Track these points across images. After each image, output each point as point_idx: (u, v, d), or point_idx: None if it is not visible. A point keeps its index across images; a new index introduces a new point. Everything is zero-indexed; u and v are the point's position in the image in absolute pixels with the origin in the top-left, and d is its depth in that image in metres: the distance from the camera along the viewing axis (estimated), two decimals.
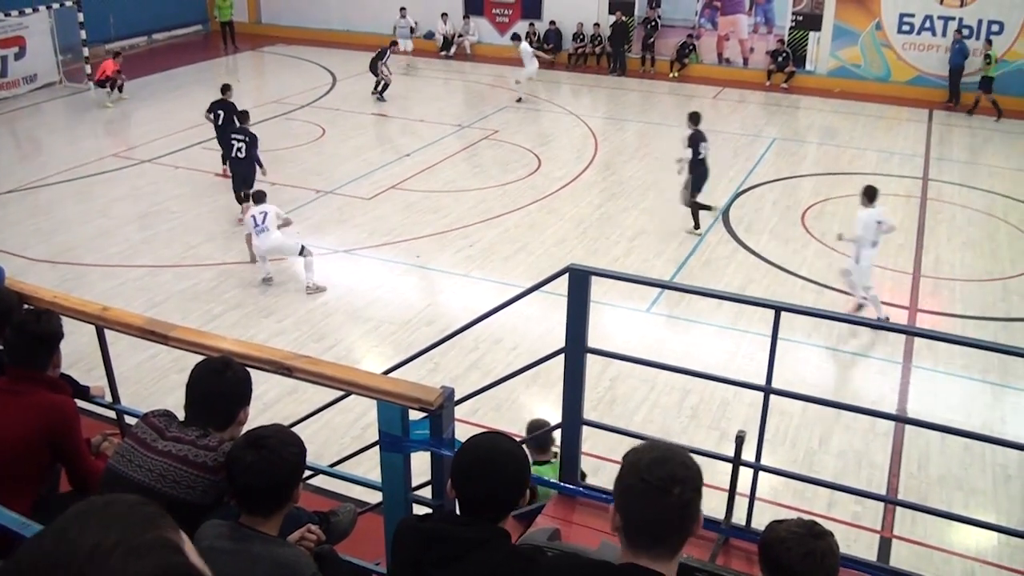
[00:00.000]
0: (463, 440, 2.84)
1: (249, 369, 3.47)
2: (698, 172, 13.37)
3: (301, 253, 11.51)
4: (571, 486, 4.79)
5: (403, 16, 25.31)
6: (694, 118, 13.49)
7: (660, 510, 2.18)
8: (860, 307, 10.65)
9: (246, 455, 2.85)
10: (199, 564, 1.15)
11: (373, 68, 20.96)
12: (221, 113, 14.72)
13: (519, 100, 21.00)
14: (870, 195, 10.61)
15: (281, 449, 2.88)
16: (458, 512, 2.72)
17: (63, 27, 21.92)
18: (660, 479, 2.17)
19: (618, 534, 2.27)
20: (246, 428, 3.28)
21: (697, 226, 13.37)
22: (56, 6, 21.54)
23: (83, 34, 21.82)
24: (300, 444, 2.97)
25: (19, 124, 19.73)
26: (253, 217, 11.38)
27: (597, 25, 24.53)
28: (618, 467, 2.30)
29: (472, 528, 2.64)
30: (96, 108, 20.26)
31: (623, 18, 23.97)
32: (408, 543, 2.75)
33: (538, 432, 5.77)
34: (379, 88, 21.01)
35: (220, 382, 3.29)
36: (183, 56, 25.41)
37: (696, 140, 13.24)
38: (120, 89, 20.54)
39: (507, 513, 2.73)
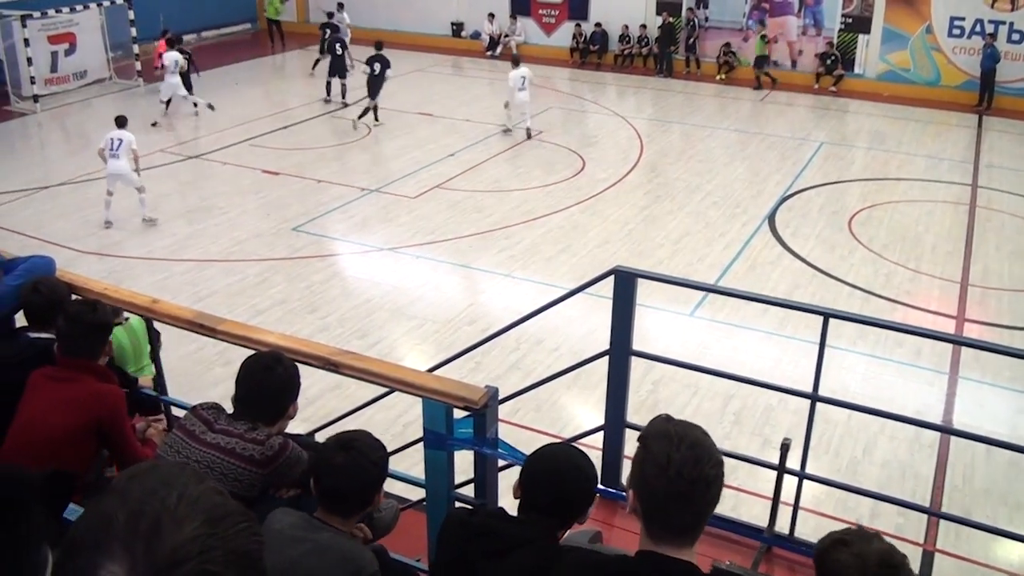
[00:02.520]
0: (506, 440, 2.85)
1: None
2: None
3: (141, 191, 13.23)
4: (613, 489, 4.77)
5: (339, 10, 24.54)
6: None
7: (689, 509, 2.11)
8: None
9: (336, 456, 2.88)
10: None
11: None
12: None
13: (506, 131, 18.62)
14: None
15: (370, 453, 2.93)
16: (517, 512, 2.76)
17: (114, 24, 22.26)
18: (691, 481, 2.07)
19: (635, 516, 2.18)
20: (292, 425, 3.31)
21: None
22: (107, 3, 21.88)
23: (133, 31, 22.15)
24: (384, 449, 3.02)
25: (69, 119, 20.08)
26: (111, 139, 13.01)
27: (644, 27, 24.42)
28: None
29: (521, 526, 2.65)
30: (146, 103, 20.54)
31: (670, 19, 23.87)
32: (456, 536, 2.77)
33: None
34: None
35: (270, 377, 3.32)
36: (232, 54, 25.70)
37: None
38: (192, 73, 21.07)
39: (564, 524, 2.76)
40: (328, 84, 20.98)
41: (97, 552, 1.10)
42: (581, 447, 5.82)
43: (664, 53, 23.97)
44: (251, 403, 3.31)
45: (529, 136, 18.01)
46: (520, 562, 2.59)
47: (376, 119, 18.61)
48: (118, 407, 3.80)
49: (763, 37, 22.83)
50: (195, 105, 19.10)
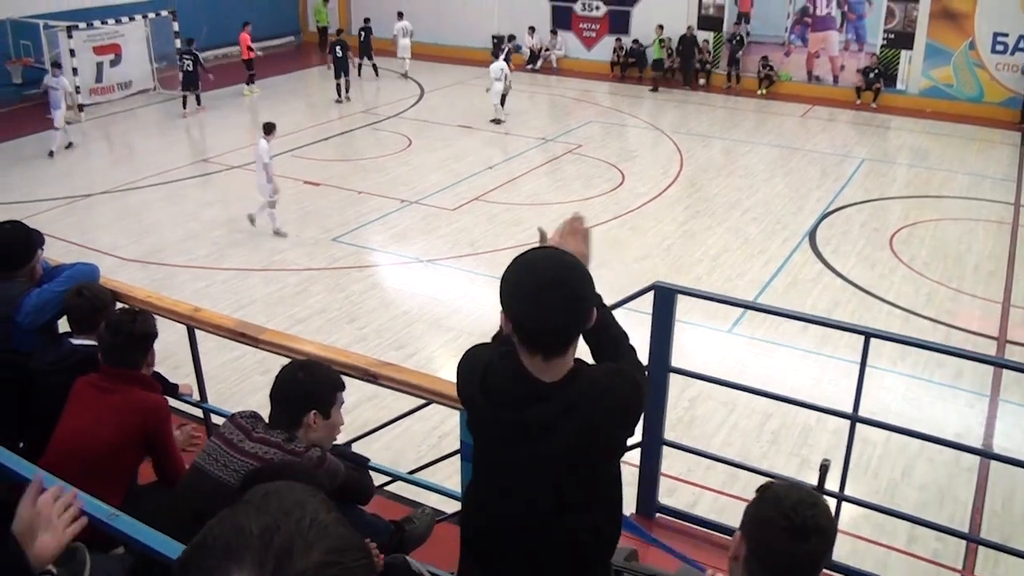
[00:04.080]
0: None
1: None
2: None
3: (270, 204, 13.45)
4: (648, 506, 4.76)
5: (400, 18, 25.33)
6: None
7: (795, 553, 2.12)
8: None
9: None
10: None
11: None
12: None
13: (496, 122, 20.08)
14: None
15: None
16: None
17: (158, 36, 22.66)
18: (804, 522, 2.11)
19: (735, 564, 2.21)
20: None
21: None
22: (152, 15, 22.26)
23: (178, 43, 22.47)
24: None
25: (113, 128, 20.42)
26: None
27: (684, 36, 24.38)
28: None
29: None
30: (190, 114, 20.84)
31: (693, 32, 23.76)
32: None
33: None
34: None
35: (290, 385, 3.36)
36: (276, 65, 26.00)
37: None
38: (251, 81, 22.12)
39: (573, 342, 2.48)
40: (337, 85, 22.06)
41: (228, 558, 1.14)
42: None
43: (689, 65, 23.87)
44: (275, 409, 3.37)
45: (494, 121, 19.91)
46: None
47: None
48: (164, 418, 3.85)
49: (660, 41, 23.86)
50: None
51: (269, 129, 13.43)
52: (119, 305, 4.36)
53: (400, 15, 25.27)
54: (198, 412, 5.15)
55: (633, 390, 2.50)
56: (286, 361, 3.59)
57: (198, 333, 4.67)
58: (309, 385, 3.37)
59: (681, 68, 24.16)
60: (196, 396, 4.84)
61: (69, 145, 18.04)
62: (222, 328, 4.34)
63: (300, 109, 22.19)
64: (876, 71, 22.25)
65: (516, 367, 2.43)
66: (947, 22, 21.60)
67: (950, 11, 21.51)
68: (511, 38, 23.38)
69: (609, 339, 2.73)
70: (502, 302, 2.39)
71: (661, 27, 23.81)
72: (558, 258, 2.46)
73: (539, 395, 2.39)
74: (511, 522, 2.55)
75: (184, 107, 21.08)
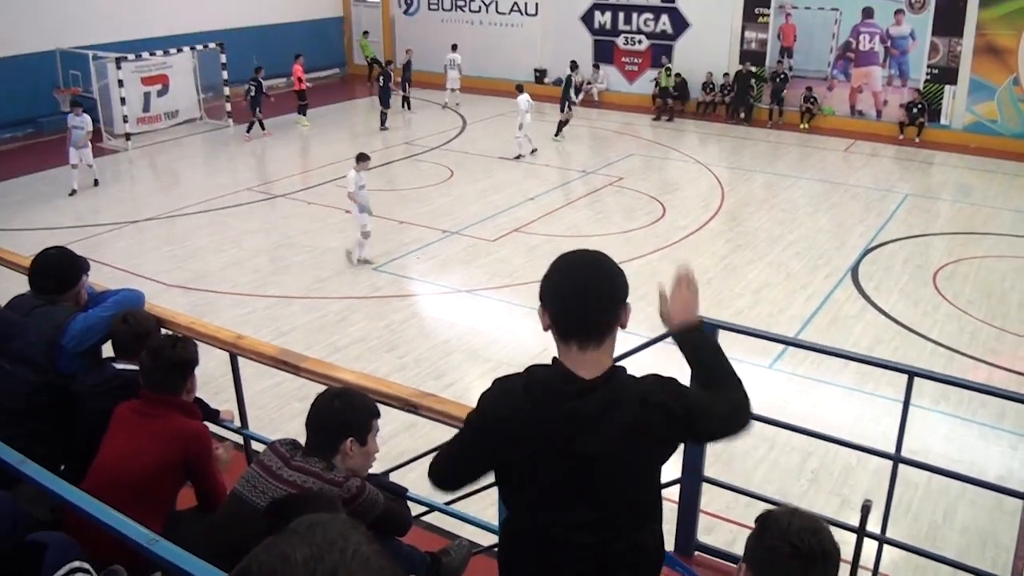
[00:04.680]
0: None
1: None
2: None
3: (364, 234, 13.63)
4: (687, 543, 4.71)
5: (453, 50, 25.91)
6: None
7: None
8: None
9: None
10: None
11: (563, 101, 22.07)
12: None
13: (520, 155, 20.13)
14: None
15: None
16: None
17: (206, 67, 23.12)
18: (811, 548, 2.13)
19: None
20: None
21: None
22: (200, 48, 22.70)
23: (225, 74, 22.93)
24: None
25: (159, 157, 20.79)
26: None
27: (727, 75, 24.40)
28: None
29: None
30: (234, 143, 21.17)
31: (748, 67, 23.80)
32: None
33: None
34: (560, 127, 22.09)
35: (327, 413, 3.37)
36: (321, 96, 26.36)
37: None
38: (303, 113, 22.59)
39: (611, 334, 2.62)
40: (381, 114, 22.67)
41: None
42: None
43: (742, 101, 23.89)
44: (311, 437, 3.38)
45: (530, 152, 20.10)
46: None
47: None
48: (204, 445, 3.88)
49: (667, 70, 24.46)
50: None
51: (361, 159, 13.63)
52: (163, 331, 4.42)
53: (454, 47, 25.65)
54: (239, 438, 5.19)
55: (680, 400, 2.56)
56: (324, 388, 3.61)
57: (240, 360, 4.71)
58: (346, 413, 3.38)
59: (735, 103, 24.14)
60: (237, 422, 4.88)
61: (96, 183, 17.84)
62: (264, 356, 4.38)
63: (344, 139, 22.47)
64: (919, 106, 22.10)
65: (556, 367, 2.54)
66: (991, 57, 21.42)
67: (994, 46, 21.33)
68: (574, 66, 23.74)
69: (700, 363, 2.90)
70: (541, 297, 2.59)
71: (665, 56, 24.82)
72: (594, 256, 2.67)
73: (580, 389, 2.46)
74: (552, 543, 2.54)
75: (248, 131, 21.78)
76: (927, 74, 22.31)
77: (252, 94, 21.54)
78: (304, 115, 22.86)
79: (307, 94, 22.84)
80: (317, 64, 28.76)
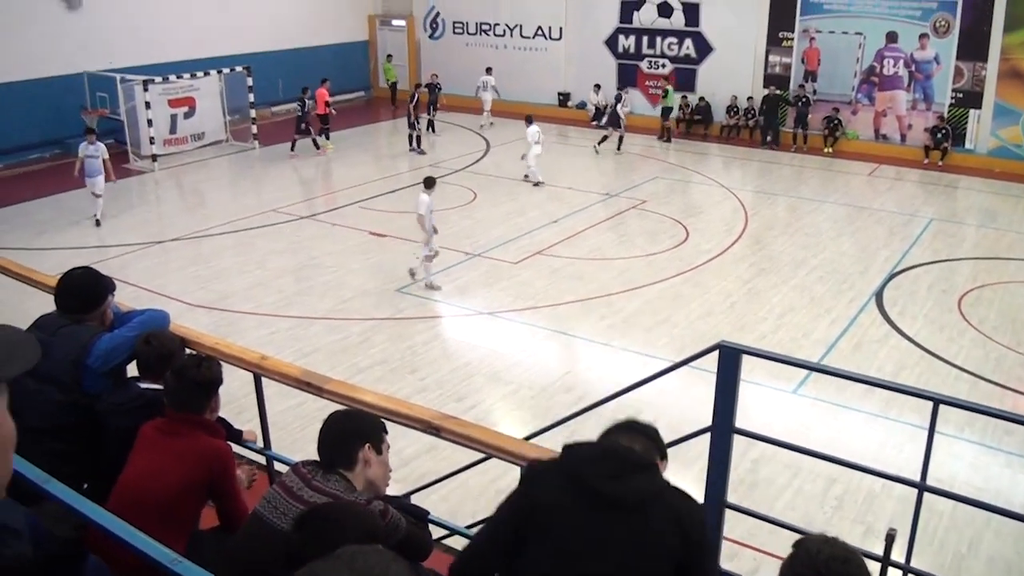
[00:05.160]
0: None
1: (391, 425, 3.54)
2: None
3: (426, 257, 13.55)
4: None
5: (488, 73, 26.26)
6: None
7: None
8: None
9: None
10: None
11: (613, 121, 23.02)
12: None
13: (536, 184, 19.90)
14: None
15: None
16: None
17: (233, 90, 23.37)
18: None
19: None
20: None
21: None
22: (227, 71, 22.96)
23: (251, 97, 23.17)
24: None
25: (185, 178, 21.00)
26: None
27: (751, 99, 24.40)
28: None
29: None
30: (260, 165, 21.37)
31: (776, 91, 23.81)
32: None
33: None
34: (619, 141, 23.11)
35: (339, 427, 3.43)
36: (347, 119, 26.57)
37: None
38: (327, 136, 22.68)
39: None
40: (413, 137, 22.94)
41: None
42: None
43: (770, 124, 23.86)
44: (325, 452, 3.40)
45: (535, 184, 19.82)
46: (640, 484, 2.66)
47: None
48: (228, 463, 3.91)
49: (666, 92, 24.49)
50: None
51: (430, 183, 13.85)
52: (187, 351, 4.45)
53: (488, 70, 26.07)
54: (261, 459, 5.21)
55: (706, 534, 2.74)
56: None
57: (263, 380, 4.73)
58: (357, 423, 3.46)
59: (765, 127, 24.08)
60: (260, 443, 4.90)
61: (97, 223, 16.76)
62: (288, 377, 4.40)
63: (368, 162, 22.64)
64: (944, 130, 22.01)
65: (609, 443, 2.78)
66: (1016, 82, 21.33)
67: (1018, 71, 21.24)
68: (625, 88, 24.32)
69: None
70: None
71: (666, 78, 25.01)
72: None
73: (636, 464, 2.67)
74: None
75: (316, 148, 22.60)
76: (951, 98, 22.23)
77: (299, 114, 22.12)
78: (328, 139, 23.01)
79: (330, 118, 22.96)
80: (342, 87, 29.04)
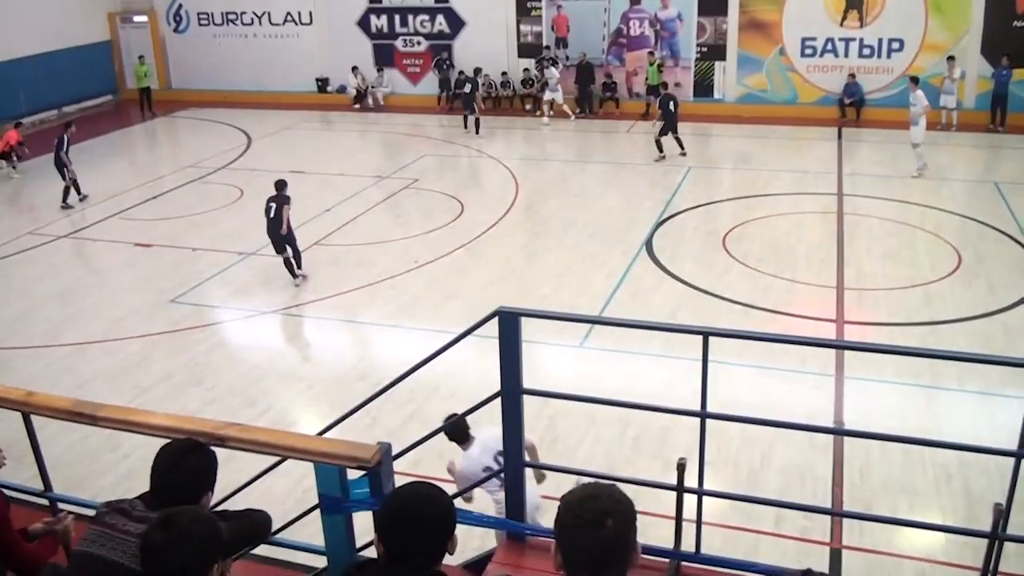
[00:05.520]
0: None
1: None
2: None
3: None
4: (517, 523, 4.77)
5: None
6: None
7: (596, 543, 2.30)
8: None
9: (155, 535, 2.73)
10: None
11: (468, 104, 22.47)
12: (273, 206, 13.51)
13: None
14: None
15: (190, 527, 2.75)
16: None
17: None
18: (592, 513, 2.31)
19: (561, 571, 2.38)
20: None
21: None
22: None
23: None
24: (212, 522, 2.85)
25: None
26: None
27: (505, 73, 24.87)
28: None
29: (407, 571, 2.62)
30: (8, 186, 19.80)
31: (587, 58, 23.95)
32: None
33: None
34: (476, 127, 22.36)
35: (180, 469, 3.25)
36: (95, 127, 24.99)
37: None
38: (18, 159, 20.22)
39: (435, 560, 2.69)
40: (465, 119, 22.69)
41: None
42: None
43: (584, 93, 24.19)
44: (165, 495, 3.21)
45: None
46: None
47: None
48: None
49: (659, 66, 23.36)
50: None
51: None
52: None
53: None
54: (44, 501, 4.87)
55: None
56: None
57: (34, 418, 4.42)
58: (201, 468, 3.31)
59: (581, 97, 24.21)
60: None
61: None
62: (58, 410, 4.14)
63: (124, 168, 21.43)
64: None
65: None
66: (756, 32, 22.88)
67: (757, 21, 22.78)
68: (477, 71, 23.69)
69: None
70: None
71: (652, 53, 23.77)
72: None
73: None
74: None
75: (465, 127, 22.43)
76: (697, 53, 23.54)
77: (467, 91, 22.36)
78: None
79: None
80: (86, 93, 27.34)
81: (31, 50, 24.95)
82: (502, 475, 6.20)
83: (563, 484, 7.57)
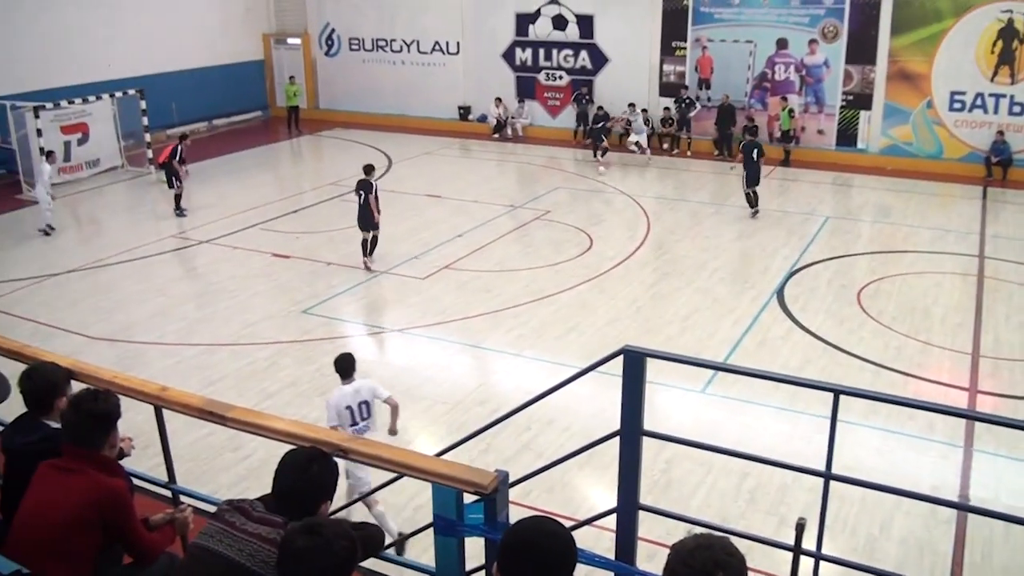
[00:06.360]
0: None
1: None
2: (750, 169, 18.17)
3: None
4: (629, 570, 4.68)
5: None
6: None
7: None
8: None
9: (298, 540, 2.84)
10: None
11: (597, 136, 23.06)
12: (362, 194, 15.10)
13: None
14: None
15: (333, 540, 2.85)
16: None
17: (126, 114, 22.72)
18: (703, 563, 2.30)
19: None
20: None
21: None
22: (119, 94, 22.35)
23: (145, 120, 22.59)
24: (353, 539, 2.94)
25: (81, 207, 20.35)
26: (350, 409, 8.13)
27: (645, 110, 24.73)
28: None
29: None
30: (157, 191, 20.82)
31: (729, 100, 23.77)
32: None
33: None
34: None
35: (304, 477, 3.35)
36: (243, 140, 26.12)
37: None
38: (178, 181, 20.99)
39: None
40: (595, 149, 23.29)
41: None
42: (596, 529, 5.73)
43: (723, 135, 24.04)
44: (286, 500, 3.32)
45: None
46: None
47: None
48: (121, 501, 3.74)
49: (790, 111, 23.01)
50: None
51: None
52: (82, 386, 4.29)
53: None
54: (167, 493, 5.05)
55: None
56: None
57: (166, 412, 4.60)
58: (323, 477, 3.41)
59: (720, 139, 24.08)
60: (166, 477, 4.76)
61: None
62: (190, 407, 4.28)
63: (268, 183, 22.27)
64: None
65: None
66: (904, 83, 22.19)
67: (906, 72, 22.10)
68: (631, 106, 24.15)
69: None
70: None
71: (784, 99, 23.19)
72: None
73: None
74: None
75: (594, 156, 23.07)
76: (843, 101, 23.00)
77: (599, 127, 23.18)
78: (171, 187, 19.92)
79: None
80: (239, 108, 28.61)
81: (185, 65, 26.24)
82: (358, 423, 8.07)
83: (675, 531, 7.44)
